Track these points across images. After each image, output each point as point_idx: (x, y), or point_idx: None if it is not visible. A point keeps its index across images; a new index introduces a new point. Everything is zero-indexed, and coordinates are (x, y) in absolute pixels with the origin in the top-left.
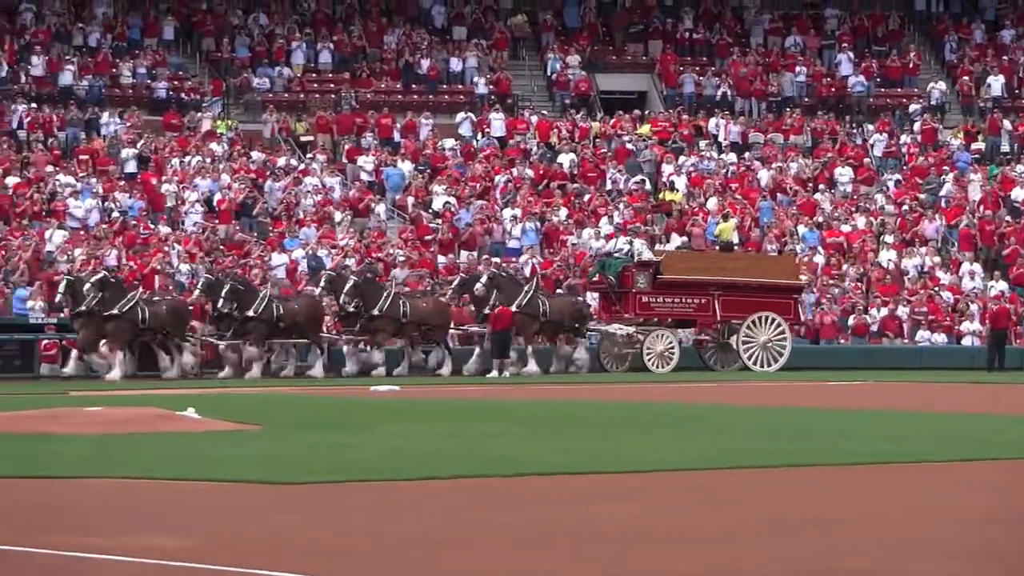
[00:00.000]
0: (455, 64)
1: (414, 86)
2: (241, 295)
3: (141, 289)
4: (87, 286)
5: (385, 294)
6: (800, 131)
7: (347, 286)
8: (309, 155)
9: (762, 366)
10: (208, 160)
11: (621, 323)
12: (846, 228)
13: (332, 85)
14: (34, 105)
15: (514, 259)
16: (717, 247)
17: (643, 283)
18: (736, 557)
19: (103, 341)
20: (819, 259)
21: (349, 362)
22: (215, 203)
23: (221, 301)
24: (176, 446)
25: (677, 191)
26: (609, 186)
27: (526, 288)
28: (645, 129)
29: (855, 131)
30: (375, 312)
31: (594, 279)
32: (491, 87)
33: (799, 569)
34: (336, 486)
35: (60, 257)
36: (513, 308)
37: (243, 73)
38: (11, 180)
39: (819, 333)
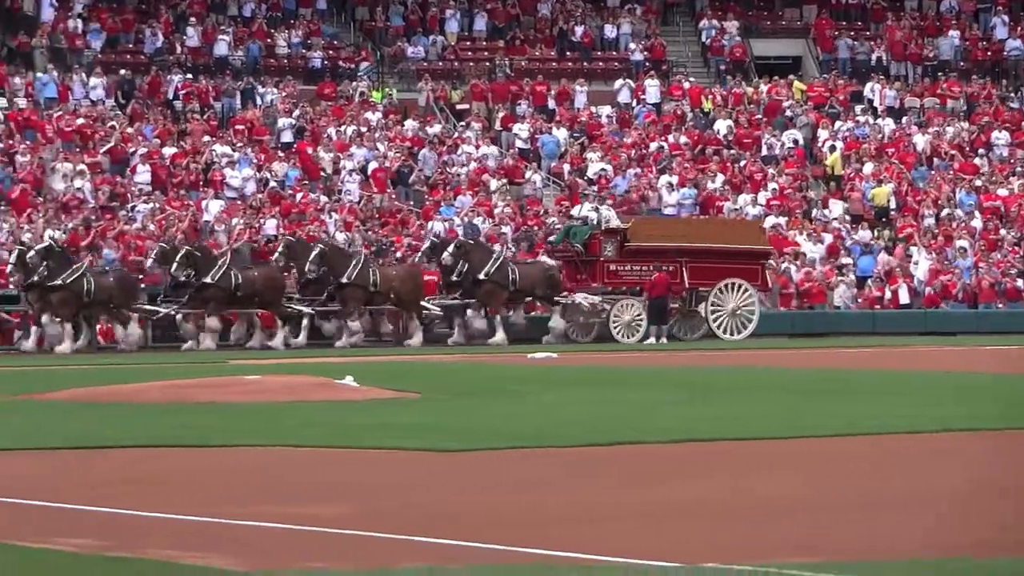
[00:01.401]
0: (609, 31)
1: (568, 53)
2: (198, 261)
3: (89, 260)
4: (30, 254)
5: (354, 262)
6: (956, 95)
7: (312, 254)
8: (462, 123)
9: (730, 334)
10: (364, 129)
11: (587, 292)
12: (1003, 192)
13: (486, 53)
14: (189, 76)
15: None
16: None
17: (610, 251)
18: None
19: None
20: (976, 223)
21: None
22: (370, 172)
23: (175, 267)
24: (335, 414)
25: (834, 155)
26: (765, 152)
27: (495, 256)
28: (800, 94)
29: (1012, 95)
30: (343, 280)
31: (559, 246)
32: (645, 53)
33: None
34: (495, 453)
35: (217, 227)
36: (481, 276)
37: (397, 42)
38: (168, 150)
39: (976, 298)
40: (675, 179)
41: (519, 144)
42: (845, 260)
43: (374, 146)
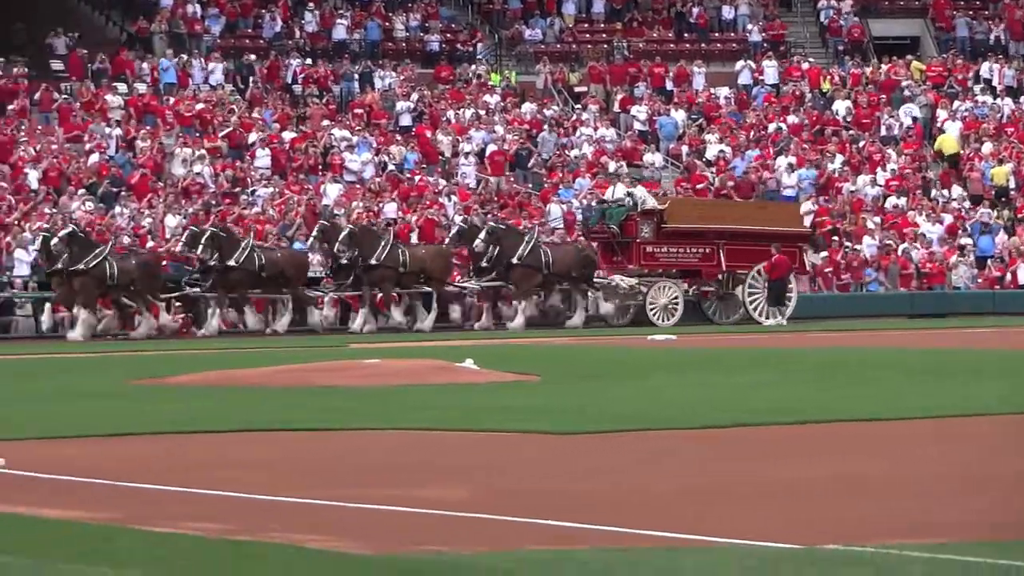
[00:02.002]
0: (727, 12)
1: (686, 35)
2: (223, 244)
3: (111, 244)
4: (54, 241)
5: (382, 243)
6: None
7: (342, 235)
8: (578, 105)
9: (767, 317)
10: (482, 112)
11: (624, 274)
12: None
13: (604, 35)
14: (308, 60)
15: None
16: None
17: (647, 232)
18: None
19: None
20: None
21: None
22: (488, 155)
23: (201, 249)
24: (456, 397)
25: (948, 136)
26: (883, 132)
27: (527, 239)
28: (918, 74)
29: None
30: (372, 262)
31: (594, 228)
32: (764, 34)
33: None
34: (616, 435)
35: (337, 210)
36: (514, 260)
37: (515, 24)
38: (287, 135)
39: None
40: (793, 160)
41: (637, 126)
42: (965, 240)
43: (492, 129)
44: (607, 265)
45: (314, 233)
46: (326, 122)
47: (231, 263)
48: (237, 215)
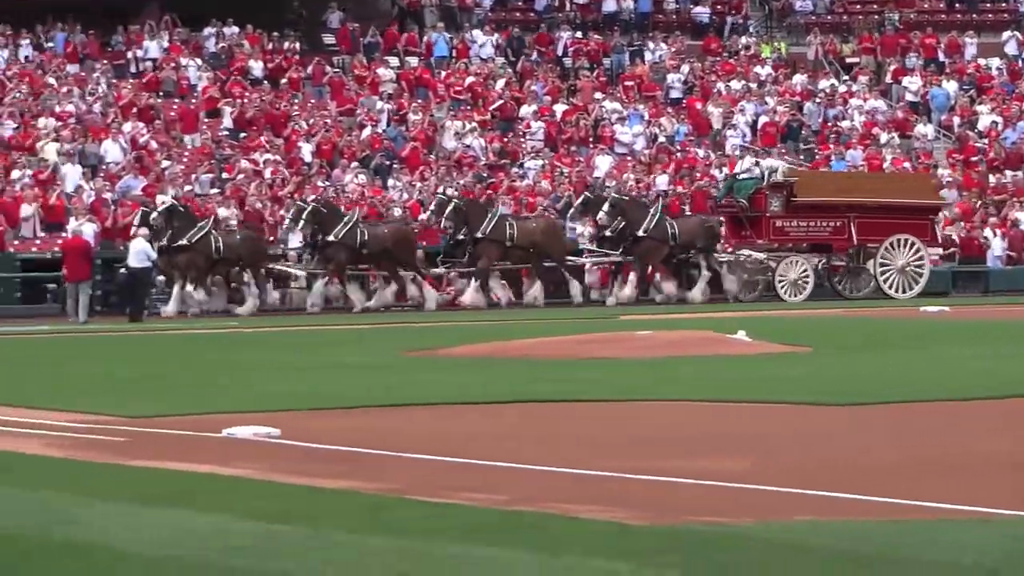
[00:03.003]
0: None
1: (957, 5)
2: (323, 219)
3: (213, 219)
4: (153, 216)
5: (489, 215)
6: None
7: (447, 209)
8: (845, 77)
9: (899, 291)
10: (752, 84)
11: (752, 248)
12: None
13: (875, 6)
14: (578, 33)
15: None
16: None
17: (777, 206)
18: None
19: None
20: None
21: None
22: (760, 127)
23: (302, 224)
24: (729, 369)
25: None
26: None
27: (652, 211)
28: None
29: None
30: (478, 235)
31: (722, 202)
32: None
33: None
34: (889, 407)
35: (608, 183)
36: (640, 232)
37: None
38: (559, 107)
39: None
40: None
41: (909, 97)
42: None
43: (763, 101)
44: (736, 239)
45: (431, 208)
46: (597, 95)
47: (330, 238)
48: (507, 187)
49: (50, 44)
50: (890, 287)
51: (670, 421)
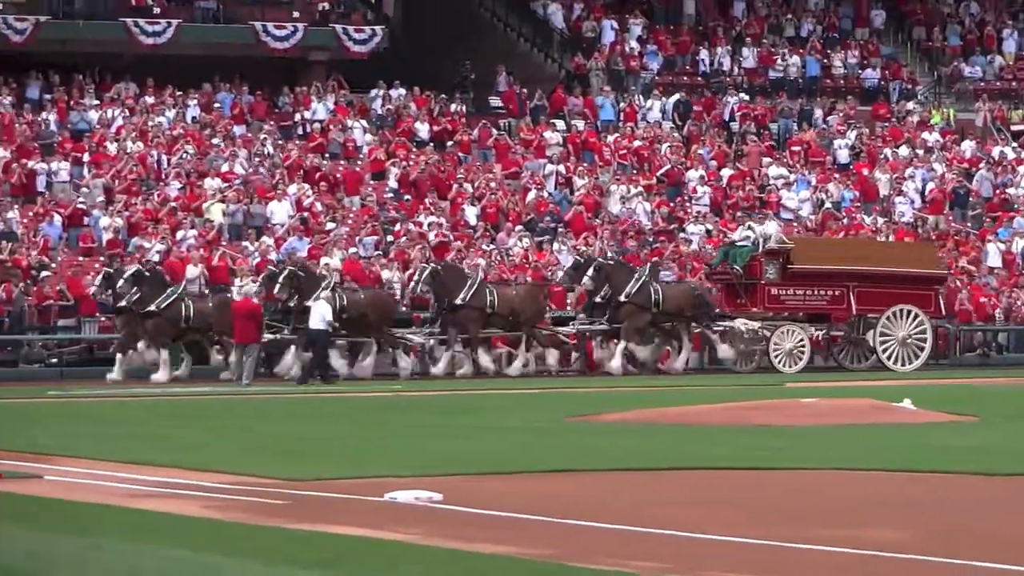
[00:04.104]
0: None
1: None
2: (300, 283)
3: (185, 284)
4: (120, 282)
5: (469, 282)
6: None
7: (424, 274)
8: (1014, 144)
9: (900, 364)
10: (920, 150)
11: (748, 317)
12: None
13: None
14: (746, 97)
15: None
16: None
17: (772, 273)
18: None
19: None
20: None
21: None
22: (927, 193)
23: (278, 288)
24: (894, 437)
25: None
26: None
27: (636, 275)
28: None
29: None
30: (457, 302)
31: (716, 268)
32: None
33: None
34: None
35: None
36: (622, 298)
37: (954, 62)
38: (725, 172)
39: None
40: None
41: None
42: None
43: (931, 167)
44: (731, 308)
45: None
46: (765, 159)
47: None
48: (671, 252)
49: (217, 105)
50: (891, 360)
51: (832, 489)
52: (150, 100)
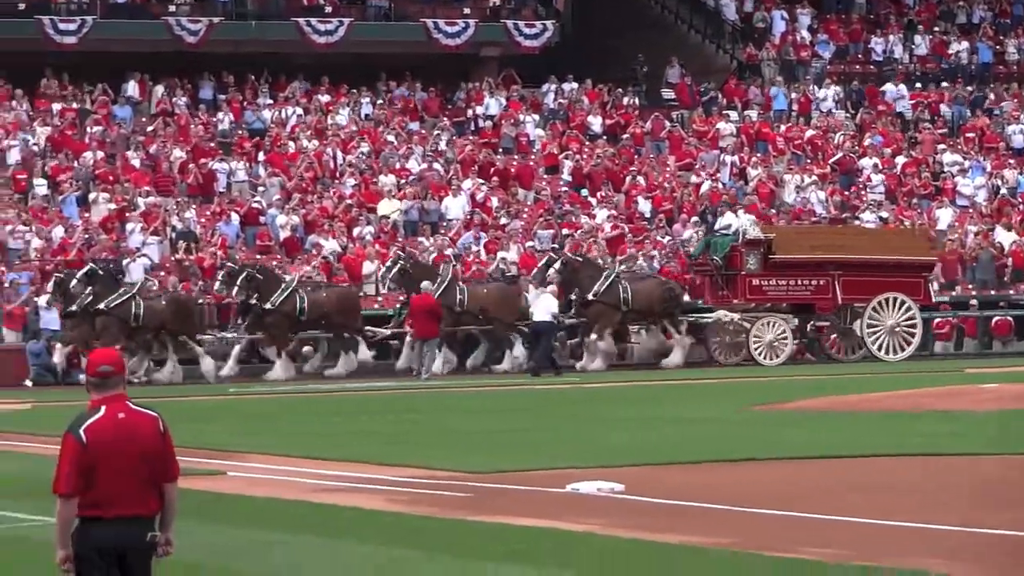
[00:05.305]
0: None
1: None
2: (260, 284)
3: (140, 282)
4: (73, 282)
5: (439, 279)
6: None
7: (392, 272)
8: None
9: (889, 353)
10: None
11: (729, 309)
12: None
13: None
14: (919, 84)
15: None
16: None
17: (753, 264)
18: None
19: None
20: None
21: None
22: None
23: (236, 290)
24: None
25: None
26: None
27: (605, 273)
28: None
29: None
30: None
31: (697, 259)
32: None
33: None
34: None
35: (951, 236)
36: (589, 296)
37: None
38: (900, 159)
39: None
40: None
41: None
42: None
43: None
44: (712, 300)
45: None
46: (939, 146)
47: (268, 306)
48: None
49: (390, 103)
50: (879, 349)
51: (1010, 474)
52: (325, 99)
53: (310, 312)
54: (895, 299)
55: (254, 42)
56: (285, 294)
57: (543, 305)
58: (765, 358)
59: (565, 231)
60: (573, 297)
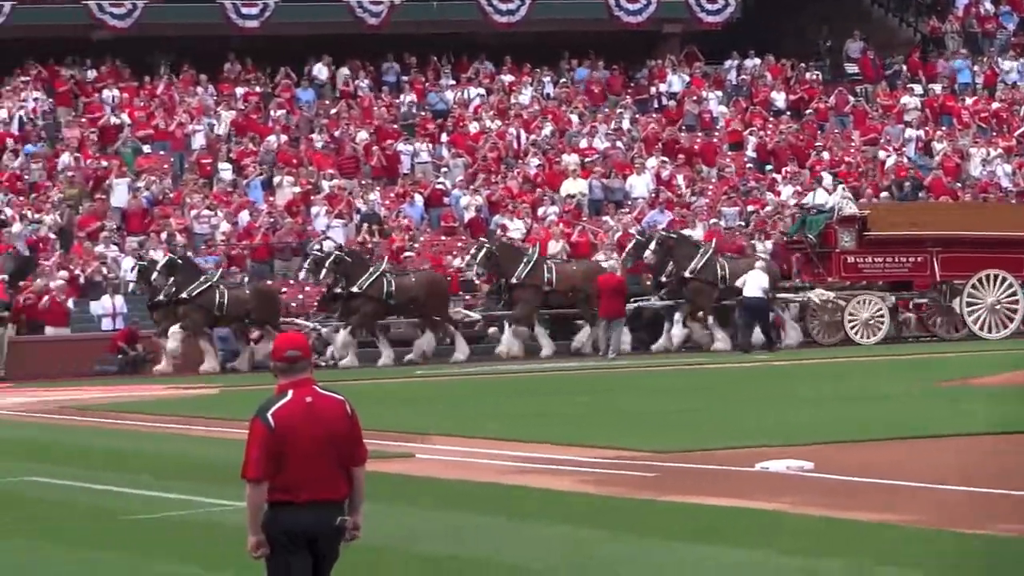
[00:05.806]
0: None
1: None
2: (348, 268)
3: (222, 271)
4: (155, 274)
5: (525, 259)
6: None
7: (479, 257)
8: None
9: (991, 331)
10: None
11: (824, 287)
12: None
13: None
14: None
15: None
16: None
17: (848, 241)
18: None
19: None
20: None
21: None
22: None
23: (324, 272)
24: None
25: None
26: None
27: (701, 251)
28: None
29: None
30: (512, 281)
31: (793, 237)
32: None
33: None
34: None
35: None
36: (687, 273)
37: None
38: None
39: None
40: None
41: None
42: None
43: None
44: (807, 278)
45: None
46: None
47: (354, 289)
48: None
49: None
50: (980, 327)
51: None
52: (508, 79)
53: (397, 296)
54: (996, 275)
55: (436, 23)
56: (372, 278)
57: (754, 282)
58: (861, 337)
59: (750, 208)
60: (663, 279)
